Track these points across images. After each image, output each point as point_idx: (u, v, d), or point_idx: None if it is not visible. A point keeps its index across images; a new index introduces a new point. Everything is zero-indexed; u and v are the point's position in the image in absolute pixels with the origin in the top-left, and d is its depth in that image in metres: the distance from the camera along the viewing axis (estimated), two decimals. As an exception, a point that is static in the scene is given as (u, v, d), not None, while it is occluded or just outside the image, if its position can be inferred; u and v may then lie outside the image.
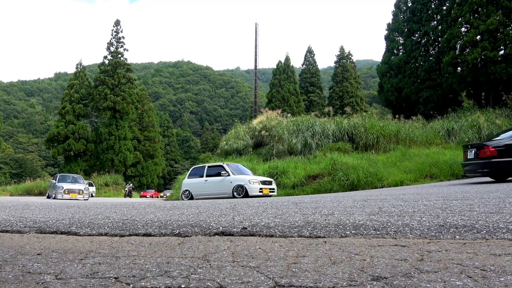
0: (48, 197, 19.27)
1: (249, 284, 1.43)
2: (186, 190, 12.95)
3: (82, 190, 18.16)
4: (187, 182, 13.12)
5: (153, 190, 46.65)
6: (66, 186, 17.88)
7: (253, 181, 11.45)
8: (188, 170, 14.39)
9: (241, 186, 11.46)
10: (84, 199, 17.20)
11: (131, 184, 37.12)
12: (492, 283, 1.34)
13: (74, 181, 19.32)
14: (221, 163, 12.99)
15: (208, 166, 13.00)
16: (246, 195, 11.22)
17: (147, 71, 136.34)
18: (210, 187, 12.31)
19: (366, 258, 1.76)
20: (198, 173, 13.04)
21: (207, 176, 12.57)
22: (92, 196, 27.80)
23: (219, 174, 12.22)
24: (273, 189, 11.95)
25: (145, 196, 39.85)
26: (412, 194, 6.16)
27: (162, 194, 44.26)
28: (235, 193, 11.49)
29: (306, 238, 2.36)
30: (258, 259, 1.84)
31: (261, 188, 11.38)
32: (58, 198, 16.86)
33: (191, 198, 12.73)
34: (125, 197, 32.62)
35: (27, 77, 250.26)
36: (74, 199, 17.08)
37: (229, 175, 11.95)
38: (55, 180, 18.68)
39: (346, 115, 19.61)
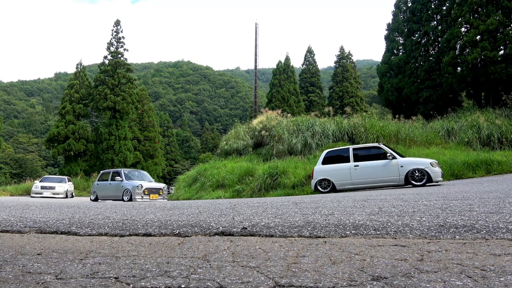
0: (95, 199, 15.00)
1: (249, 284, 1.43)
2: (325, 180, 10.30)
3: (162, 190, 14.65)
4: (324, 170, 10.41)
5: None
6: (146, 185, 14.15)
7: (434, 164, 9.31)
8: (319, 157, 11.16)
9: (420, 171, 9.15)
10: (164, 199, 14.28)
11: None
12: (492, 283, 1.34)
13: (147, 179, 15.34)
14: (376, 144, 10.43)
15: (354, 148, 10.45)
16: (429, 181, 9.09)
17: (147, 71, 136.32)
18: (364, 174, 9.88)
19: (366, 258, 1.76)
20: (338, 158, 10.49)
21: (355, 160, 10.12)
22: (72, 196, 23.30)
23: (376, 157, 9.89)
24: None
25: None
26: (412, 194, 6.15)
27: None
28: (411, 180, 9.21)
29: (306, 238, 2.36)
30: (258, 259, 1.83)
31: (442, 172, 9.45)
32: (137, 200, 13.39)
33: (333, 189, 10.24)
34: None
35: (27, 77, 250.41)
36: (155, 200, 13.62)
37: (394, 157, 9.60)
38: (121, 178, 14.44)
39: (346, 115, 19.59)
